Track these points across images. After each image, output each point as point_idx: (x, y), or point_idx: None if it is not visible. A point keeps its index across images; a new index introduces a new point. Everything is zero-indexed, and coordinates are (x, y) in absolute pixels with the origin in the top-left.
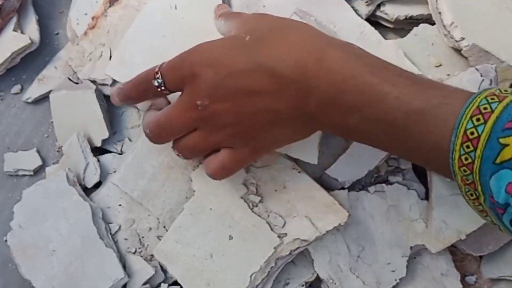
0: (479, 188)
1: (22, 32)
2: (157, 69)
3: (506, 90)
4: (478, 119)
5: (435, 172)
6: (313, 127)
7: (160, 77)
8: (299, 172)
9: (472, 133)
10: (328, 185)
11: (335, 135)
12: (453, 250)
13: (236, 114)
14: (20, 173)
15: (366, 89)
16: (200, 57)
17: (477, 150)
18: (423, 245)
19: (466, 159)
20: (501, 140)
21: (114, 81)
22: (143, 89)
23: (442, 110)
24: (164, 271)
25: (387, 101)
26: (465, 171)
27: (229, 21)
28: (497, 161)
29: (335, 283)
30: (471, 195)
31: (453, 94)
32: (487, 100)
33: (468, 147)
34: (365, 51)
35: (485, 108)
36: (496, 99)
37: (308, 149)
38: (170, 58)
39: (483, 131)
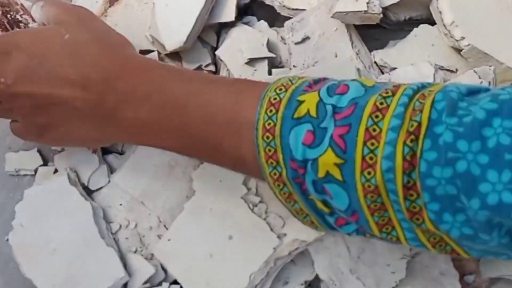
0: (281, 157)
1: None
2: None
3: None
4: (280, 89)
5: (239, 169)
6: (112, 127)
7: None
8: None
9: (275, 98)
10: None
11: (131, 142)
12: None
13: (35, 102)
14: (22, 173)
15: (157, 79)
16: (19, 40)
17: (278, 112)
18: None
19: (269, 124)
20: (299, 98)
21: None
22: None
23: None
24: (165, 270)
25: (173, 86)
26: (268, 137)
27: (46, 8)
28: (295, 116)
29: (335, 284)
30: (275, 174)
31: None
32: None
33: (271, 111)
34: None
35: (284, 85)
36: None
37: None
38: None
39: (284, 95)
